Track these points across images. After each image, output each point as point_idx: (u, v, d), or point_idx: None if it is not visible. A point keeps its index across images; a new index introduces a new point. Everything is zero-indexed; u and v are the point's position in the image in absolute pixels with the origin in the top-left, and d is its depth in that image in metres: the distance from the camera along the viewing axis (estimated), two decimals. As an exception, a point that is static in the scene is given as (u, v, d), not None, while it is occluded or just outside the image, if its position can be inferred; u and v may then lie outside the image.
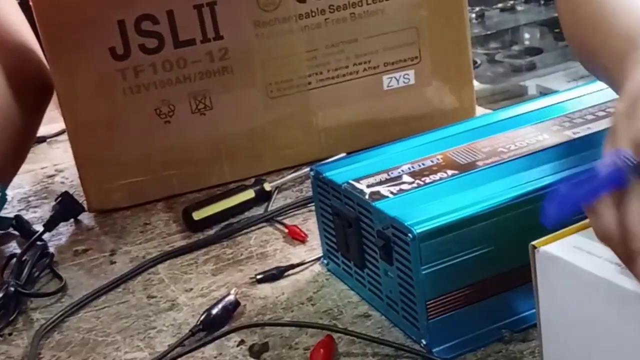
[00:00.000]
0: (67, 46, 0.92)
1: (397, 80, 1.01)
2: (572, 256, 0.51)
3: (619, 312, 0.49)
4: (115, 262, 0.87)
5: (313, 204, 0.78)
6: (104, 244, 0.91)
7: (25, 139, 1.00)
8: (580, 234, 0.54)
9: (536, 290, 0.55)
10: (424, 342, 0.64)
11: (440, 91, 1.04)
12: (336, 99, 1.01)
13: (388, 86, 1.01)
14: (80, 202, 0.99)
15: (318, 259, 0.80)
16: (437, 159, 0.72)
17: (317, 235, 0.79)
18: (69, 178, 1.12)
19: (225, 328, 0.70)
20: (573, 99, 0.81)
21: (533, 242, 0.54)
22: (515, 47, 3.18)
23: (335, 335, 0.67)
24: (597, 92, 0.82)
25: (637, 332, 0.48)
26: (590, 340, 0.52)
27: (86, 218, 0.99)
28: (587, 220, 0.55)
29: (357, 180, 0.70)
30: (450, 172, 0.69)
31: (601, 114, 0.76)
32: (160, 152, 0.99)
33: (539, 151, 0.70)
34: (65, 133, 1.02)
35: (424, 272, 0.61)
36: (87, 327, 0.75)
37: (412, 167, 0.71)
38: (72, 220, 0.98)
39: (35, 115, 0.99)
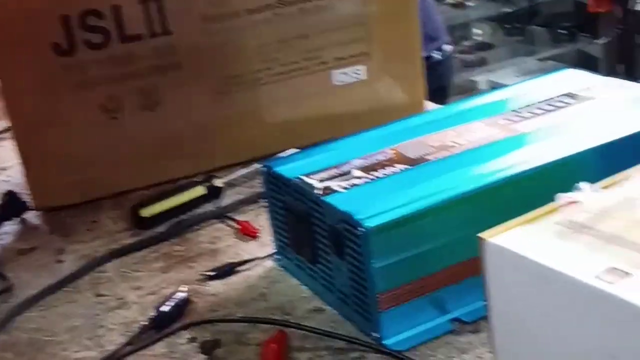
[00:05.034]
0: (9, 41, 0.90)
1: (348, 76, 1.01)
2: (520, 247, 0.52)
3: (567, 302, 0.49)
4: (62, 261, 0.85)
5: (264, 199, 0.78)
6: (51, 243, 0.90)
7: None
8: (527, 226, 0.54)
9: (486, 281, 0.55)
10: (376, 335, 0.64)
11: (391, 86, 1.04)
12: (287, 94, 1.01)
13: (338, 81, 1.01)
14: (26, 200, 0.97)
15: (270, 254, 0.80)
16: (388, 154, 0.72)
17: (269, 231, 0.79)
18: (13, 176, 1.10)
19: (176, 325, 0.70)
20: (522, 94, 0.82)
21: (481, 234, 0.54)
22: (466, 43, 3.22)
23: (287, 330, 0.66)
24: (545, 86, 0.83)
25: (585, 320, 0.48)
26: (541, 329, 0.52)
27: (32, 217, 0.97)
28: (534, 212, 0.55)
29: (309, 175, 0.70)
30: (400, 166, 0.69)
31: (549, 108, 0.77)
32: (107, 148, 0.97)
33: (488, 145, 0.71)
34: (10, 131, 1.00)
35: (375, 266, 0.62)
36: (33, 327, 0.73)
37: (363, 161, 0.71)
38: (17, 219, 0.96)
39: None
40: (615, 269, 0.47)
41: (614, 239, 0.51)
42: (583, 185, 0.53)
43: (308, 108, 1.02)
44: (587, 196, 0.52)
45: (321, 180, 0.69)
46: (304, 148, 0.80)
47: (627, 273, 0.47)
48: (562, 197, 0.54)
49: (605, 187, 0.55)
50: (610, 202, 0.52)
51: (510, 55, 3.19)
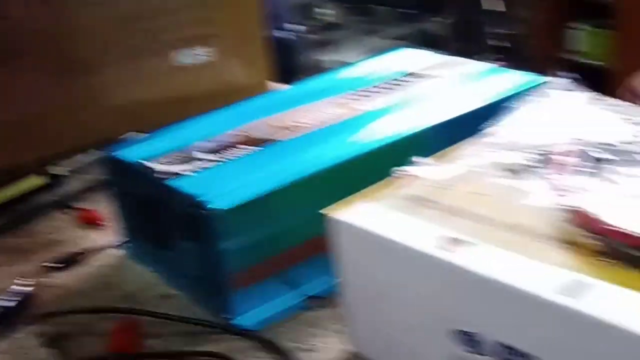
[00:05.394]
0: None
1: (191, 57, 1.00)
2: (362, 221, 0.53)
3: (410, 271, 0.51)
4: None
5: (108, 186, 0.76)
6: None
7: None
8: (370, 201, 0.56)
9: (334, 257, 0.56)
10: (228, 317, 0.64)
11: (236, 68, 1.03)
12: (128, 76, 0.98)
13: (181, 63, 1.00)
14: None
15: (116, 242, 0.77)
16: (235, 135, 0.71)
17: (115, 219, 0.76)
18: None
19: (21, 320, 0.66)
20: (364, 73, 0.84)
21: (325, 211, 0.55)
22: (312, 23, 3.26)
23: (138, 318, 0.65)
24: (389, 65, 0.85)
25: (427, 288, 0.50)
26: (387, 299, 0.54)
27: None
28: (374, 187, 0.57)
29: (153, 159, 0.68)
30: (248, 147, 0.69)
31: (391, 86, 0.79)
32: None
33: (334, 124, 0.72)
34: None
35: (225, 248, 0.61)
36: None
37: (209, 144, 0.70)
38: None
39: None
40: (454, 238, 0.49)
41: (452, 210, 0.53)
42: (419, 159, 0.55)
43: (151, 90, 1.00)
44: (423, 170, 0.54)
45: (167, 164, 0.67)
46: (148, 132, 0.78)
47: (465, 242, 0.49)
48: (401, 172, 0.56)
49: (440, 161, 0.57)
50: (446, 175, 0.54)
51: (357, 36, 3.26)
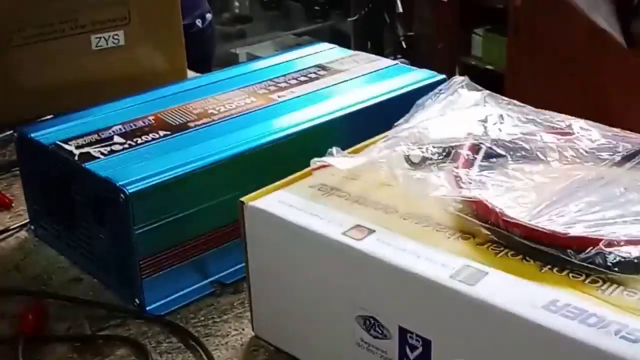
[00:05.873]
0: None
1: (106, 41, 0.99)
2: (276, 209, 0.55)
3: (319, 257, 0.53)
4: None
5: (18, 167, 0.75)
6: None
7: None
8: (284, 190, 0.58)
9: (245, 244, 0.58)
10: (137, 301, 0.64)
11: (151, 53, 1.03)
12: (41, 58, 0.96)
13: (97, 46, 0.98)
14: None
15: (24, 225, 0.76)
16: (149, 120, 0.72)
17: (24, 201, 0.76)
18: None
19: None
20: (278, 64, 0.86)
21: (242, 199, 0.57)
22: (226, 15, 3.24)
23: (45, 301, 0.65)
24: (301, 58, 0.87)
25: (334, 273, 0.53)
26: (295, 284, 0.56)
27: None
28: (291, 176, 0.59)
29: (66, 141, 0.68)
30: (162, 132, 0.69)
31: (303, 78, 0.81)
32: None
33: (247, 113, 0.73)
34: None
35: (136, 232, 0.62)
36: None
37: (124, 128, 0.70)
38: None
39: None
40: (361, 226, 0.52)
41: (360, 199, 0.55)
42: (335, 150, 0.58)
43: (65, 73, 0.98)
44: (337, 160, 0.57)
45: (79, 147, 0.67)
46: (62, 114, 0.78)
47: (370, 230, 0.52)
48: (316, 162, 0.58)
49: (353, 152, 0.60)
50: (357, 165, 0.56)
51: (269, 29, 3.26)
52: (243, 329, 0.62)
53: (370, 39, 3.07)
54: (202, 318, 0.64)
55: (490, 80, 0.89)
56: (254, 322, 0.61)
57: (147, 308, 0.64)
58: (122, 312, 0.64)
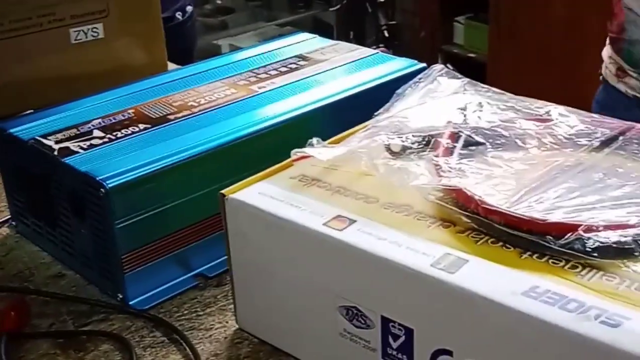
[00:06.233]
0: None
1: (85, 34, 0.98)
2: (257, 201, 0.55)
3: (300, 248, 0.53)
4: None
5: (-3, 163, 0.74)
6: None
7: None
8: (265, 182, 0.58)
9: (227, 236, 0.58)
10: (120, 296, 0.64)
11: (131, 46, 1.02)
12: (19, 52, 0.95)
13: (76, 40, 0.98)
14: None
15: (5, 221, 0.76)
16: (129, 114, 0.72)
17: (4, 197, 0.75)
18: None
19: None
20: (258, 55, 0.85)
21: (222, 191, 0.57)
22: (208, 6, 3.22)
23: (27, 297, 0.64)
24: (281, 49, 0.87)
25: (315, 263, 0.53)
26: (276, 275, 0.56)
27: None
28: (272, 168, 0.59)
29: (45, 136, 0.68)
30: (142, 126, 0.69)
31: (284, 69, 0.81)
32: None
33: (227, 105, 0.73)
34: None
35: (118, 227, 0.62)
36: None
37: (103, 121, 0.70)
38: None
39: None
40: (341, 216, 0.52)
41: (341, 189, 0.55)
42: (315, 140, 0.58)
43: (43, 67, 0.98)
44: (318, 151, 0.56)
45: (59, 141, 0.67)
46: (41, 108, 0.77)
47: (351, 220, 0.52)
48: (297, 153, 0.58)
49: (333, 142, 0.60)
50: (337, 156, 0.56)
51: (251, 20, 3.25)
52: (227, 322, 0.62)
53: (352, 28, 3.08)
54: (186, 312, 0.64)
55: (472, 69, 0.90)
56: (237, 315, 0.61)
57: (130, 302, 0.64)
58: (105, 307, 0.64)
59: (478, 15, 2.75)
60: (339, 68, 0.81)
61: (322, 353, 0.55)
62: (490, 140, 0.56)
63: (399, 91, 0.62)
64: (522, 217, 0.48)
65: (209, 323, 0.62)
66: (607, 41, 1.16)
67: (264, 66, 0.82)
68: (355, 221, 0.51)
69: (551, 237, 0.46)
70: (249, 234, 0.57)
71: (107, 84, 0.78)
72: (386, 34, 3.03)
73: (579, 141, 0.56)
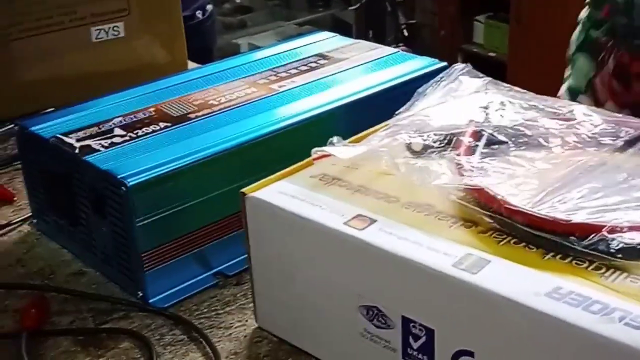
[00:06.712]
0: None
1: (106, 33, 0.98)
2: (277, 199, 0.55)
3: (320, 247, 0.53)
4: None
5: (19, 161, 0.74)
6: None
7: None
8: (285, 180, 0.57)
9: (247, 235, 0.58)
10: (140, 294, 0.64)
11: (152, 44, 1.03)
12: (41, 51, 0.96)
13: (97, 38, 0.98)
14: None
15: (27, 218, 0.76)
16: (150, 112, 0.72)
17: (26, 195, 0.75)
18: None
19: None
20: (278, 54, 0.85)
21: (243, 190, 0.57)
22: (227, 5, 3.23)
23: (48, 295, 0.65)
24: (301, 48, 0.87)
25: (335, 263, 0.52)
26: (297, 274, 0.56)
27: None
28: (292, 167, 0.59)
29: (66, 134, 0.68)
30: (162, 124, 0.69)
31: (304, 68, 0.81)
32: None
33: (247, 103, 0.73)
34: None
35: (138, 225, 0.62)
36: None
37: (124, 120, 0.70)
38: None
39: None
40: (362, 215, 0.52)
41: (361, 189, 0.55)
42: (335, 139, 0.57)
43: (65, 66, 0.98)
44: (338, 150, 0.56)
45: (80, 139, 0.67)
46: (63, 107, 0.78)
47: (372, 219, 0.51)
48: (317, 151, 0.58)
49: (354, 141, 0.60)
50: (357, 155, 0.56)
51: (270, 19, 3.25)
52: (246, 321, 0.62)
53: (371, 27, 3.07)
54: (205, 310, 0.64)
55: (492, 68, 0.89)
56: (257, 314, 0.61)
57: (150, 300, 0.64)
58: (125, 305, 0.64)
59: (498, 14, 2.74)
60: (360, 67, 0.81)
61: (342, 353, 0.55)
62: (513, 139, 0.55)
63: (420, 90, 0.61)
64: (545, 217, 0.47)
65: (228, 322, 0.62)
66: None
67: (284, 65, 0.82)
68: (375, 221, 0.51)
69: (575, 238, 0.46)
70: (269, 232, 0.56)
71: (128, 82, 0.78)
72: (405, 33, 3.02)
73: (602, 140, 0.55)
